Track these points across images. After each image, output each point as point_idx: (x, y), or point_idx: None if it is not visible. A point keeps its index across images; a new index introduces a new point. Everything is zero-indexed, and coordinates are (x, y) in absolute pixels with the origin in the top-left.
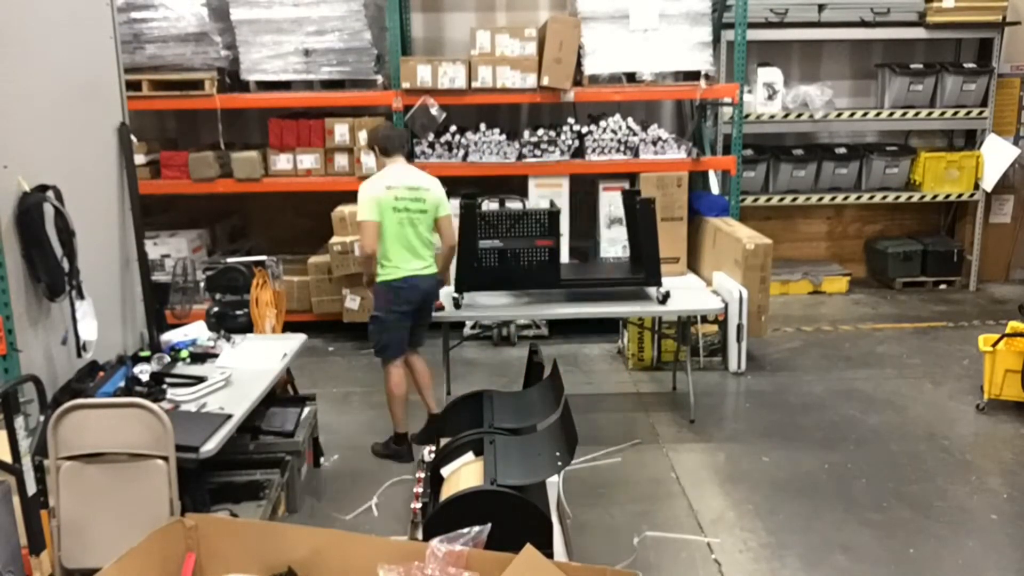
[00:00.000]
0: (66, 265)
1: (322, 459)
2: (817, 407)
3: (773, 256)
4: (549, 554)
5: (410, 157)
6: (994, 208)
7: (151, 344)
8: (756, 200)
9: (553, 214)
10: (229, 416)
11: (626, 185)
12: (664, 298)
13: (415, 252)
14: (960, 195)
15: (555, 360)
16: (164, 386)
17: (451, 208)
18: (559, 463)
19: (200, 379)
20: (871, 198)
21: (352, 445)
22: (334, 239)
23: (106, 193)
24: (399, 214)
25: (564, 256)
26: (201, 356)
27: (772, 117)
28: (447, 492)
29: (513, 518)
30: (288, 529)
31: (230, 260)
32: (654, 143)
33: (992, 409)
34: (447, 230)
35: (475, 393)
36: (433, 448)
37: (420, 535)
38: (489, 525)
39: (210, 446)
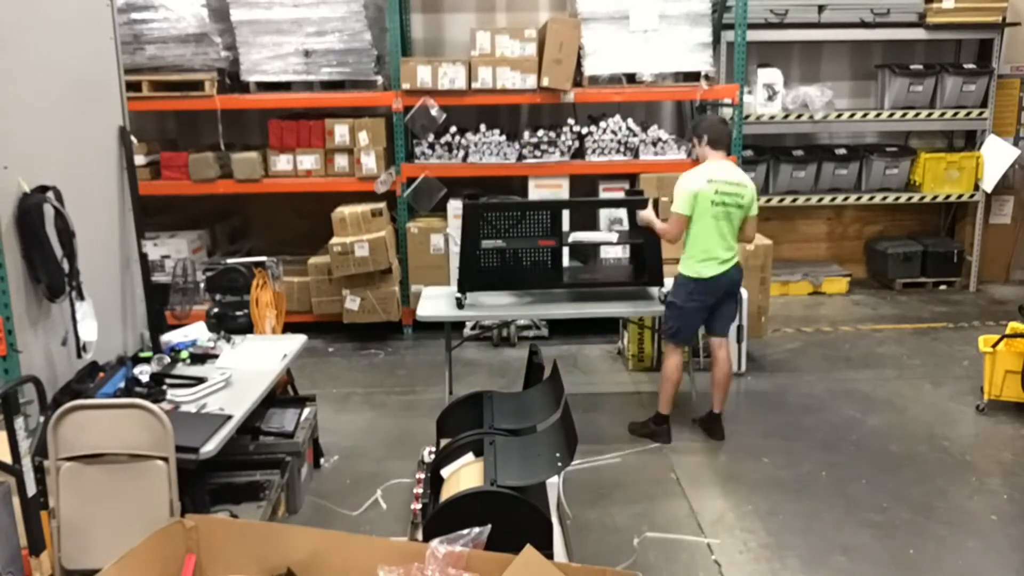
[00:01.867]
0: (66, 266)
1: (322, 460)
2: (817, 408)
3: (773, 257)
4: (549, 555)
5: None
6: (994, 209)
7: (151, 345)
8: None
9: (556, 214)
10: (229, 417)
11: (626, 186)
12: (667, 298)
13: (726, 246)
14: (960, 196)
15: (555, 361)
16: (164, 387)
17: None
18: (559, 464)
19: (200, 380)
20: (871, 199)
21: (352, 446)
22: (334, 240)
23: (106, 194)
24: (716, 208)
25: (565, 258)
26: (201, 357)
27: (772, 118)
28: (447, 493)
29: (513, 519)
30: (288, 530)
31: (230, 261)
32: (654, 144)
33: (992, 410)
34: (752, 229)
35: (475, 394)
36: (433, 448)
37: (420, 536)
38: (489, 526)
39: (210, 447)
